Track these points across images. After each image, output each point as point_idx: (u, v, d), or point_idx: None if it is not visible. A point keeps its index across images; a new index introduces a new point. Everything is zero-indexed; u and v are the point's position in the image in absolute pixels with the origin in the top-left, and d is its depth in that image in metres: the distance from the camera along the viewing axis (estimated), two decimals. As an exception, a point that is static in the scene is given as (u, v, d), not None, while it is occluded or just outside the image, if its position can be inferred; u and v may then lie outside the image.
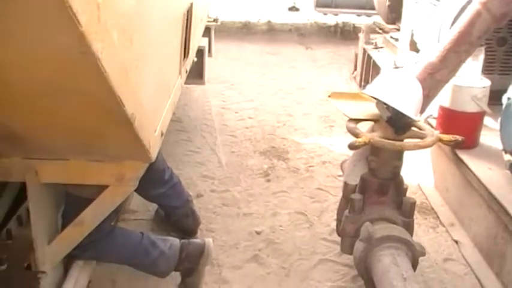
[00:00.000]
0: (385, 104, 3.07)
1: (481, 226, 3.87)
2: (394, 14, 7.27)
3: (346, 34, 10.14)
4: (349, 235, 3.30)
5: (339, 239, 3.58)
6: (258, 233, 4.10)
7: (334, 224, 3.97)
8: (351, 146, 3.04)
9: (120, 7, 1.79)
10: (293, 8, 12.17)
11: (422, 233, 4.14)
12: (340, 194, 3.60)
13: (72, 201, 2.89)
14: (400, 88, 3.12)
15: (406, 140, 3.22)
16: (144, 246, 3.17)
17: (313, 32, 10.41)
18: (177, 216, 3.78)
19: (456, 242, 4.02)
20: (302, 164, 5.21)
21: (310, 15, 11.05)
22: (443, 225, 4.24)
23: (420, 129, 3.26)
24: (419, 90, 3.16)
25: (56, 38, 1.49)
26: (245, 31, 10.52)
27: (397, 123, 3.09)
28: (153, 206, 4.18)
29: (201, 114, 6.38)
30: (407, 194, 3.38)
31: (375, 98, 3.16)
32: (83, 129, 2.18)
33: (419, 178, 4.83)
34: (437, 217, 4.35)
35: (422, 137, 3.17)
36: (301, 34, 10.38)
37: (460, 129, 3.57)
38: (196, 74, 5.32)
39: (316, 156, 5.35)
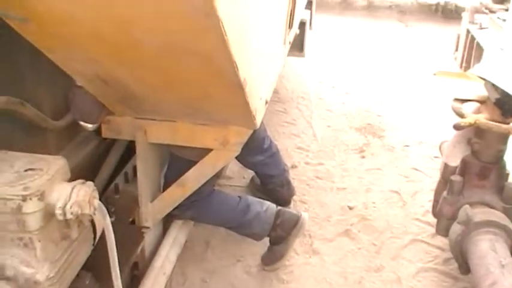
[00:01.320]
0: (494, 85, 3.00)
1: None
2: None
3: (447, 13, 9.88)
4: (446, 217, 3.26)
5: (432, 220, 3.56)
6: (350, 208, 4.11)
7: (428, 205, 3.95)
8: (456, 127, 2.99)
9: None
10: None
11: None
12: (436, 176, 3.57)
13: (175, 162, 2.99)
14: (510, 70, 3.04)
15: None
16: (241, 208, 3.25)
17: (413, 10, 10.20)
18: (272, 184, 3.82)
19: None
20: (398, 142, 5.15)
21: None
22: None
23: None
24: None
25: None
26: (344, 6, 10.41)
27: (505, 106, 3.00)
28: (248, 174, 4.26)
29: (298, 86, 6.39)
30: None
31: (483, 79, 3.09)
32: (195, 90, 2.24)
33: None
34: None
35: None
36: (401, 11, 10.20)
37: None
38: (297, 46, 5.33)
39: (413, 135, 5.27)
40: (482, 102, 3.20)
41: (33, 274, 1.84)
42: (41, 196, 1.77)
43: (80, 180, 1.91)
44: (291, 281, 3.39)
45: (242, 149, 2.82)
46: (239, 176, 4.35)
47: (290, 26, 3.76)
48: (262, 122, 3.21)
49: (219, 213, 3.25)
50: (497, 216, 3.03)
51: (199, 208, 3.13)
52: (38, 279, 1.84)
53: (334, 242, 3.75)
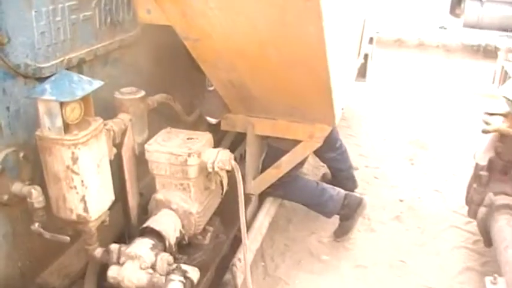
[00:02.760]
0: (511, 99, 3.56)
1: None
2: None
3: (487, 53, 10.25)
4: (475, 203, 3.79)
5: (466, 213, 4.09)
6: (401, 200, 4.68)
7: (463, 202, 4.45)
8: (484, 131, 3.56)
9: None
10: (442, 27, 12.35)
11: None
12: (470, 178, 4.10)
13: (272, 151, 3.62)
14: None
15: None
16: (318, 190, 3.86)
17: (458, 49, 10.62)
18: (340, 177, 4.40)
19: None
20: (441, 153, 5.66)
21: (457, 34, 11.22)
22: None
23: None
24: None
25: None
26: (398, 43, 10.89)
27: (520, 116, 3.56)
28: (320, 172, 4.87)
29: (360, 107, 6.95)
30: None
31: (505, 97, 3.64)
32: (297, 94, 2.89)
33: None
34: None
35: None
36: (447, 50, 10.63)
37: None
38: (361, 73, 5.91)
39: (453, 147, 5.77)
40: (505, 115, 3.74)
41: (189, 208, 2.49)
42: (199, 155, 2.43)
43: (221, 148, 2.56)
44: (354, 249, 3.98)
45: (321, 146, 3.44)
46: (313, 173, 4.97)
47: (359, 54, 4.38)
48: (335, 126, 3.83)
49: (302, 192, 3.86)
50: (515, 201, 3.56)
51: (287, 188, 3.75)
52: (192, 212, 2.50)
53: (387, 224, 4.33)
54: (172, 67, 3.14)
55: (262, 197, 3.82)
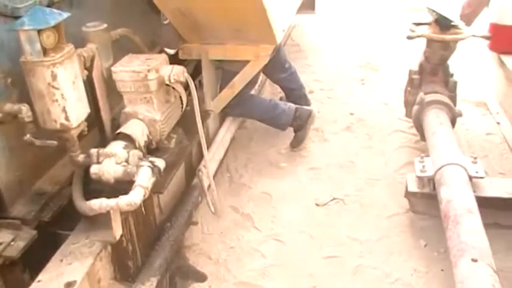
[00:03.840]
0: (434, 10, 4.09)
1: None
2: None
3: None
4: (410, 104, 4.39)
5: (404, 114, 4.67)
6: (351, 114, 5.26)
7: (408, 110, 5.02)
8: (408, 37, 4.11)
9: None
10: None
11: (475, 117, 5.12)
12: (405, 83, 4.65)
13: (226, 74, 4.13)
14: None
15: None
16: (271, 105, 4.42)
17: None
18: (293, 96, 4.91)
19: (498, 123, 4.98)
20: (388, 73, 6.22)
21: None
22: (491, 113, 5.19)
23: (460, 29, 4.20)
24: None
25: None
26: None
27: (441, 23, 4.09)
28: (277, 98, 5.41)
29: (314, 39, 7.46)
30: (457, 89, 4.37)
31: (428, 8, 4.18)
32: (237, 16, 3.39)
33: (481, 85, 5.75)
34: (488, 108, 5.29)
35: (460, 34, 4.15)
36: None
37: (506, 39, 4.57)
38: (310, 5, 6.41)
39: (399, 66, 6.26)
40: (429, 24, 4.28)
41: (153, 116, 3.01)
42: (157, 70, 2.94)
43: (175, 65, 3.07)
44: (309, 156, 4.57)
45: (271, 68, 4.08)
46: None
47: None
48: (282, 49, 4.36)
49: (257, 109, 4.41)
50: (442, 98, 4.13)
51: (243, 106, 4.28)
52: (156, 119, 3.01)
53: (339, 134, 4.92)
54: (131, 8, 3.61)
55: (223, 118, 4.36)
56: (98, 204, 2.52)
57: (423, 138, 4.18)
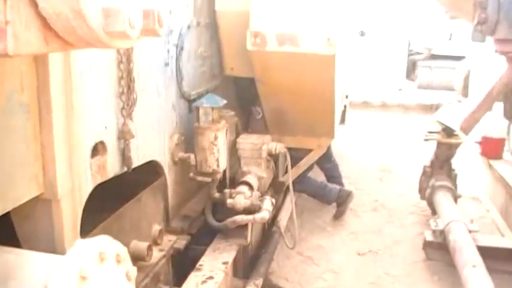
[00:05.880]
0: (440, 122, 5.79)
1: (498, 200, 6.42)
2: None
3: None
4: (424, 189, 5.99)
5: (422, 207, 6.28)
6: (375, 200, 6.83)
7: (418, 200, 6.56)
8: (425, 139, 5.78)
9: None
10: (400, 89, 14.51)
11: (470, 205, 6.67)
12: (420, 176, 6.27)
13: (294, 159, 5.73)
14: (447, 112, 5.83)
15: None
16: (322, 185, 6.06)
17: (414, 107, 12.94)
18: (333, 182, 6.47)
19: (488, 210, 6.55)
20: (403, 174, 7.85)
21: (413, 94, 13.69)
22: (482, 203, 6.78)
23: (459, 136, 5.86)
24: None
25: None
26: (365, 105, 13.18)
27: (446, 131, 5.76)
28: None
29: (343, 147, 9.12)
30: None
31: (436, 120, 5.88)
32: (313, 117, 5.03)
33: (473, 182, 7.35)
34: (480, 201, 6.87)
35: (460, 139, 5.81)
36: (405, 108, 12.94)
37: (493, 148, 6.29)
38: (342, 119, 8.11)
39: (412, 172, 7.90)
40: (438, 132, 5.96)
41: (261, 174, 4.58)
42: (267, 144, 4.55)
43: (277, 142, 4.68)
44: (347, 225, 6.11)
45: (321, 157, 5.62)
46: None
47: (341, 101, 6.57)
48: (331, 146, 6.00)
49: (312, 187, 6.00)
50: (447, 184, 5.73)
51: (302, 183, 5.85)
52: (263, 176, 4.58)
53: (368, 213, 6.50)
54: (236, 100, 5.31)
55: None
56: (240, 219, 4.05)
57: (434, 212, 5.73)
